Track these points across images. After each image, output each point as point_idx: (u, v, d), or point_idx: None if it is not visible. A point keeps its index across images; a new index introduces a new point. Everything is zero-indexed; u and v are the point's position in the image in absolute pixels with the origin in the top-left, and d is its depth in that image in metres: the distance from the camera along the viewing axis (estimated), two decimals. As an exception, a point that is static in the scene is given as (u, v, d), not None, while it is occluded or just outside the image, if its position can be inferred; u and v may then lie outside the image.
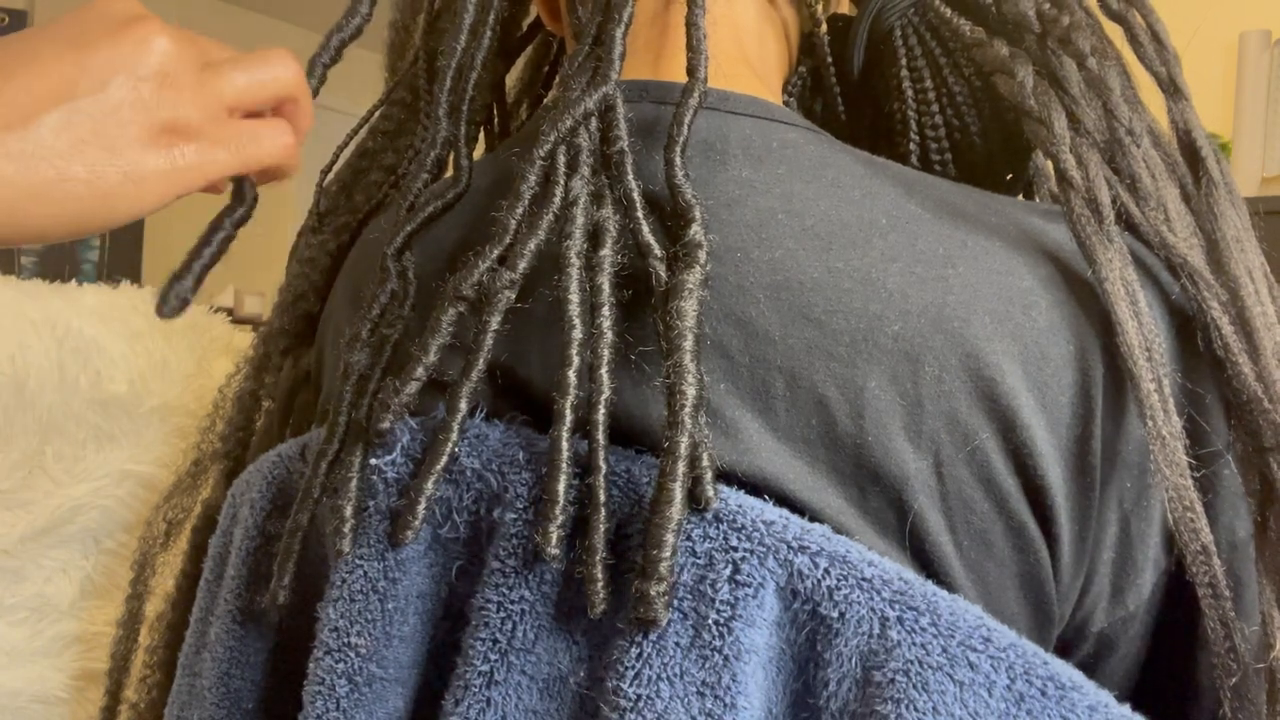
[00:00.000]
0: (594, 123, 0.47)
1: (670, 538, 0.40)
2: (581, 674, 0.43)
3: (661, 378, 0.42)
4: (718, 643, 0.41)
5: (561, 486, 0.42)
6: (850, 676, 0.41)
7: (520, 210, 0.46)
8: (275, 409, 0.68)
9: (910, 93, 0.57)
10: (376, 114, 0.69)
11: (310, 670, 0.48)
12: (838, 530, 0.43)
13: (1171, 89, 0.53)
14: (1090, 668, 0.49)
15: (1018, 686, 0.40)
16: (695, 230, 0.44)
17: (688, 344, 0.42)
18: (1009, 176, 0.60)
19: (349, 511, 0.47)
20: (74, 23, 0.41)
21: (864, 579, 0.41)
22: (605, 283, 0.44)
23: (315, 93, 0.50)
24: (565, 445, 0.43)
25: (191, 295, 0.45)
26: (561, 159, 0.46)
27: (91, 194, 0.40)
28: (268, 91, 0.45)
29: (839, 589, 0.41)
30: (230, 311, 1.04)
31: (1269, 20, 2.10)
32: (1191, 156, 0.52)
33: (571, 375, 0.43)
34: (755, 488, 0.44)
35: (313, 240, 0.68)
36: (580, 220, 0.45)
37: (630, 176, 0.46)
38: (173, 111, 0.41)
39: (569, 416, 0.43)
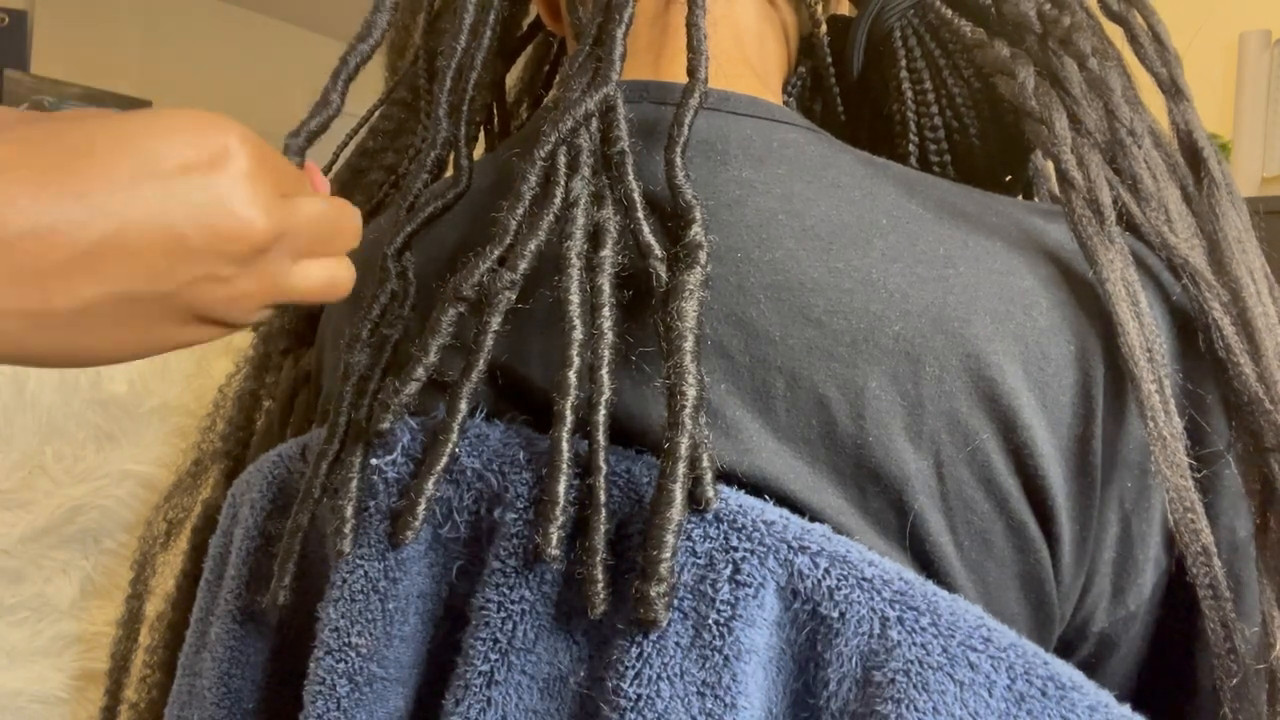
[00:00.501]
0: (594, 123, 0.47)
1: (670, 538, 0.40)
2: (582, 674, 0.43)
3: (662, 378, 0.42)
4: (718, 643, 0.41)
5: (562, 487, 0.42)
6: (850, 676, 0.41)
7: (521, 211, 0.46)
8: (275, 409, 0.68)
9: (910, 94, 0.57)
10: (376, 114, 0.69)
11: (311, 670, 0.48)
12: (838, 530, 0.43)
13: (1173, 90, 0.53)
14: (1091, 667, 0.49)
15: (1018, 686, 0.40)
16: (696, 231, 0.44)
17: (688, 345, 0.42)
18: (1008, 178, 0.60)
19: (349, 512, 0.47)
20: (159, 177, 0.35)
21: (864, 579, 0.41)
22: (606, 283, 0.44)
23: (339, 108, 0.49)
24: (565, 446, 0.43)
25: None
26: (562, 159, 0.46)
27: (93, 356, 0.37)
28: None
29: (839, 589, 0.41)
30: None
31: (1269, 20, 2.10)
32: (1193, 157, 0.52)
33: (572, 376, 0.43)
34: (756, 488, 0.44)
35: (313, 240, 0.68)
36: (581, 221, 0.45)
37: (631, 177, 0.46)
38: (217, 312, 0.38)
39: (569, 417, 0.43)
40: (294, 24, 4.22)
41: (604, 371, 0.43)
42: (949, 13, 0.56)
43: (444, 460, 0.45)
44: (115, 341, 0.37)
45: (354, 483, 0.47)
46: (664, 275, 0.44)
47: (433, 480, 0.45)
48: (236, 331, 0.41)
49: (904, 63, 0.58)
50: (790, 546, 0.41)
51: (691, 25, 0.49)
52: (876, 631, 0.40)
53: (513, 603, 0.44)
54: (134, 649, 0.76)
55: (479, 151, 0.59)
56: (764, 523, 0.42)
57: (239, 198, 0.37)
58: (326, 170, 0.69)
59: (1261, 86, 2.09)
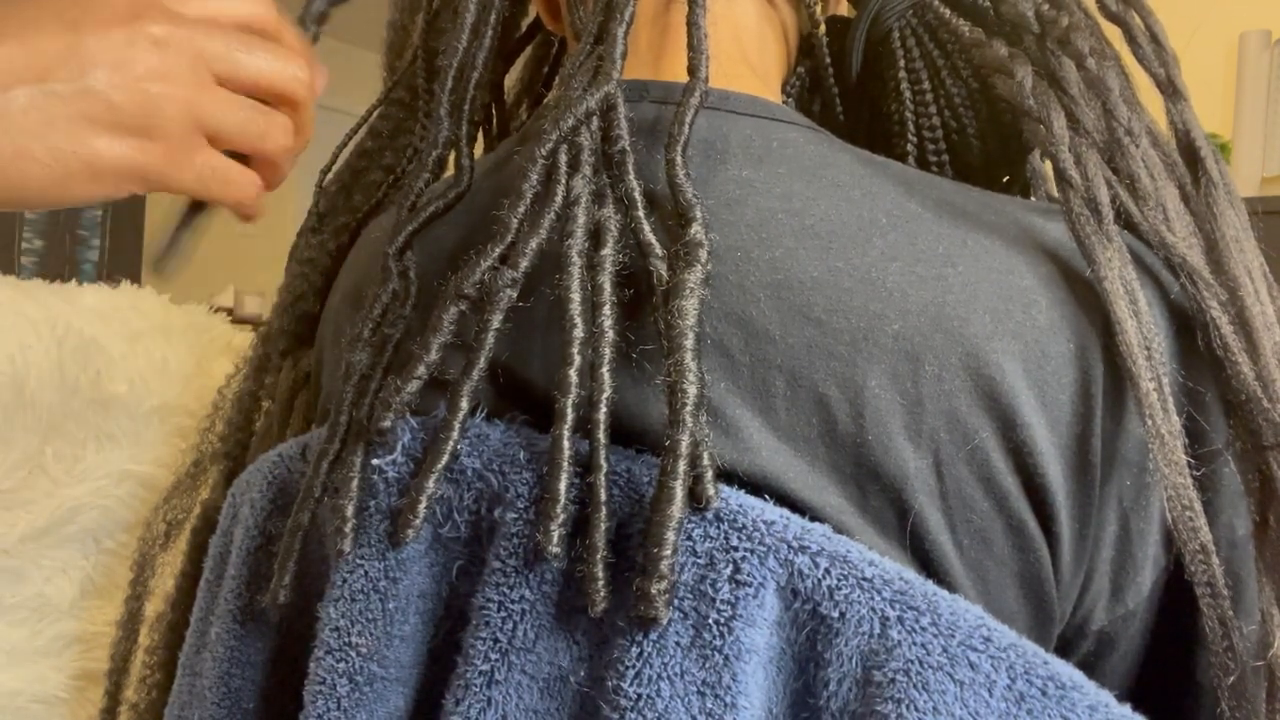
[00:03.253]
0: (595, 122, 0.47)
1: (671, 536, 0.40)
2: (582, 673, 0.43)
3: (662, 377, 0.42)
4: (718, 642, 0.41)
5: (562, 486, 0.42)
6: (851, 676, 0.41)
7: (522, 209, 0.46)
8: (275, 410, 0.68)
9: (908, 94, 0.58)
10: (375, 114, 0.69)
11: (311, 670, 0.48)
12: (838, 529, 0.43)
13: (1170, 90, 0.53)
14: (1090, 666, 0.49)
15: (1018, 686, 0.40)
16: (696, 229, 0.44)
17: (688, 343, 0.42)
18: (1006, 178, 0.60)
19: (350, 511, 0.47)
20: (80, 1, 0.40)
21: (864, 579, 0.41)
22: (606, 282, 0.44)
23: (316, 37, 0.50)
24: (566, 444, 0.43)
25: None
26: (563, 158, 0.46)
27: (46, 175, 0.40)
28: (269, 85, 0.45)
29: (839, 589, 0.41)
30: (230, 311, 1.04)
31: (1269, 20, 2.11)
32: (1190, 157, 0.52)
33: (572, 374, 0.43)
34: (756, 487, 0.44)
35: (312, 241, 0.68)
36: (582, 219, 0.45)
37: (631, 176, 0.46)
38: (145, 120, 0.41)
39: (570, 416, 0.43)
40: (295, 24, 4.21)
41: (604, 370, 0.43)
42: (947, 13, 0.56)
43: (444, 459, 0.45)
44: (58, 151, 0.40)
45: (354, 482, 0.47)
46: (664, 274, 0.44)
47: (433, 479, 0.45)
48: (181, 189, 0.44)
49: (902, 63, 0.58)
50: (790, 546, 0.41)
51: (692, 24, 0.50)
52: (876, 631, 0.40)
53: (513, 602, 0.44)
54: (133, 650, 0.76)
55: (478, 151, 0.59)
56: (764, 522, 0.42)
57: None
58: (326, 170, 0.69)
59: (1261, 86, 2.09)
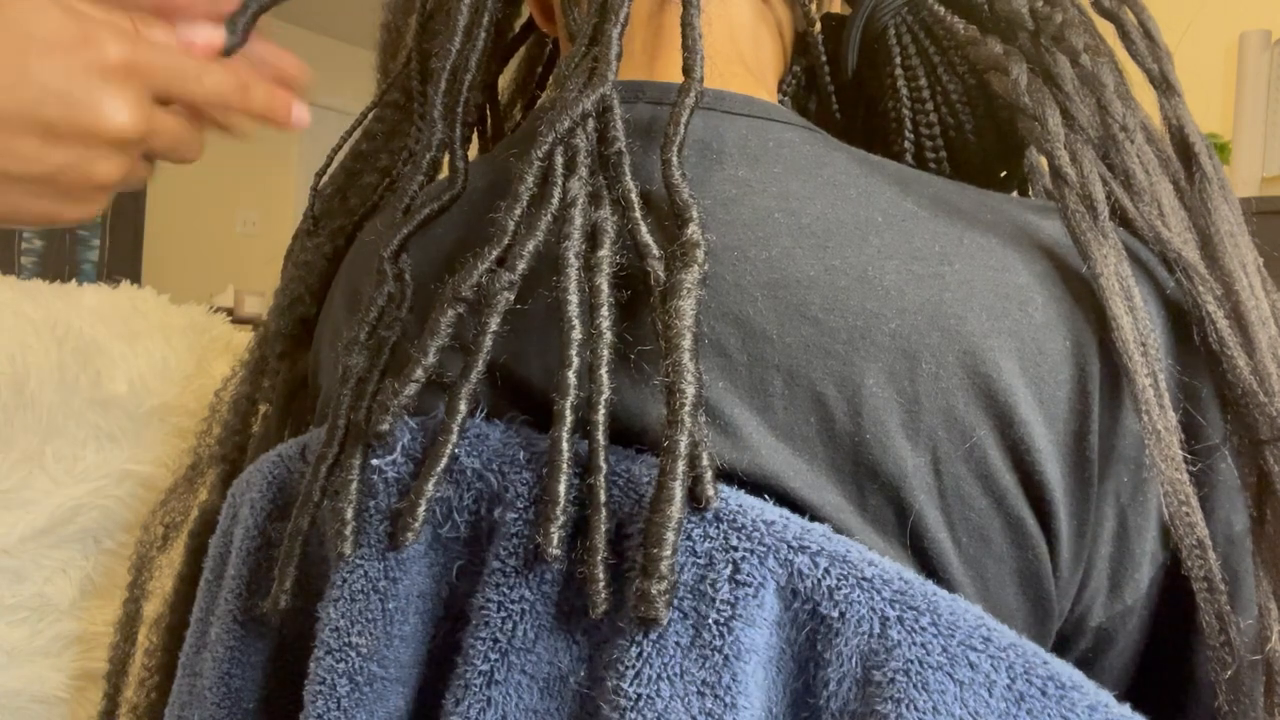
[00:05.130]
0: (591, 123, 0.48)
1: (671, 536, 0.40)
2: (582, 673, 0.44)
3: (660, 377, 0.42)
4: (718, 642, 0.41)
5: (562, 487, 0.42)
6: (850, 676, 0.41)
7: (518, 211, 0.46)
8: (273, 413, 0.68)
9: (905, 92, 0.58)
10: (370, 116, 0.69)
11: (311, 670, 0.48)
12: (838, 528, 0.43)
13: (1164, 85, 0.53)
14: (1088, 662, 0.49)
15: (1018, 686, 0.40)
16: (692, 230, 0.44)
17: (686, 343, 0.42)
18: (1003, 174, 0.60)
19: (350, 515, 0.47)
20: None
21: (864, 578, 0.41)
22: (604, 283, 0.45)
23: (243, 40, 0.50)
24: (565, 445, 0.43)
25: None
26: (559, 160, 0.46)
27: None
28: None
29: (839, 588, 0.41)
30: (230, 311, 1.04)
31: (1269, 20, 2.11)
32: (1184, 152, 0.52)
33: (571, 376, 0.43)
34: (755, 486, 0.44)
35: (308, 244, 0.68)
36: (578, 221, 0.45)
37: (628, 177, 0.46)
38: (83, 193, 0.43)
39: (569, 417, 0.43)
40: (294, 24, 4.22)
41: (603, 371, 0.43)
42: (942, 10, 0.56)
43: (444, 460, 0.45)
44: None
45: (354, 485, 0.47)
46: (661, 274, 0.44)
47: (433, 480, 0.45)
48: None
49: (898, 60, 0.58)
50: (790, 546, 0.41)
51: (686, 25, 0.50)
52: (876, 631, 0.40)
53: (513, 602, 0.44)
54: (131, 653, 0.76)
55: (472, 153, 0.59)
56: (764, 522, 0.42)
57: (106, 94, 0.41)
58: (321, 173, 0.69)
59: (1261, 86, 2.09)
